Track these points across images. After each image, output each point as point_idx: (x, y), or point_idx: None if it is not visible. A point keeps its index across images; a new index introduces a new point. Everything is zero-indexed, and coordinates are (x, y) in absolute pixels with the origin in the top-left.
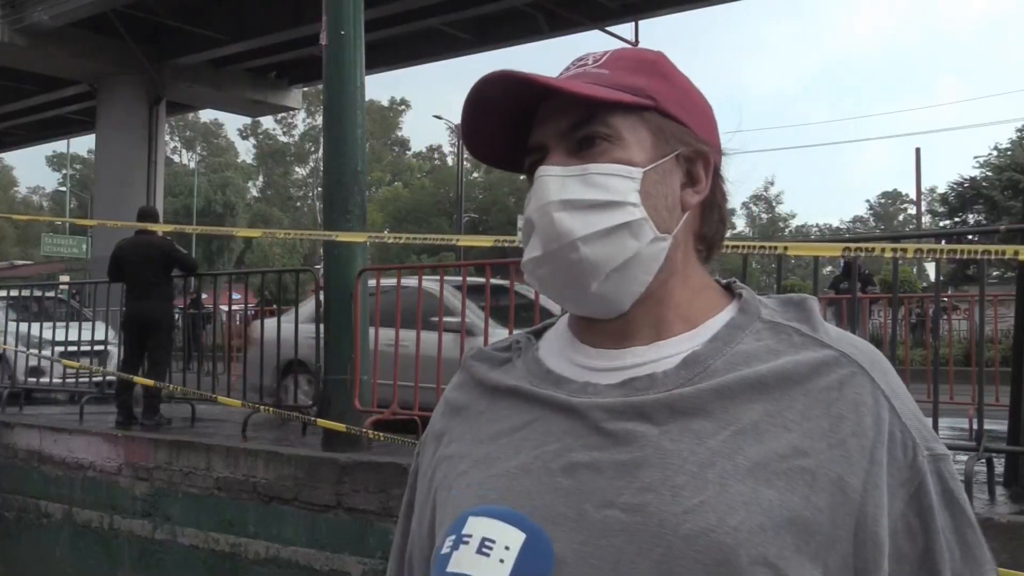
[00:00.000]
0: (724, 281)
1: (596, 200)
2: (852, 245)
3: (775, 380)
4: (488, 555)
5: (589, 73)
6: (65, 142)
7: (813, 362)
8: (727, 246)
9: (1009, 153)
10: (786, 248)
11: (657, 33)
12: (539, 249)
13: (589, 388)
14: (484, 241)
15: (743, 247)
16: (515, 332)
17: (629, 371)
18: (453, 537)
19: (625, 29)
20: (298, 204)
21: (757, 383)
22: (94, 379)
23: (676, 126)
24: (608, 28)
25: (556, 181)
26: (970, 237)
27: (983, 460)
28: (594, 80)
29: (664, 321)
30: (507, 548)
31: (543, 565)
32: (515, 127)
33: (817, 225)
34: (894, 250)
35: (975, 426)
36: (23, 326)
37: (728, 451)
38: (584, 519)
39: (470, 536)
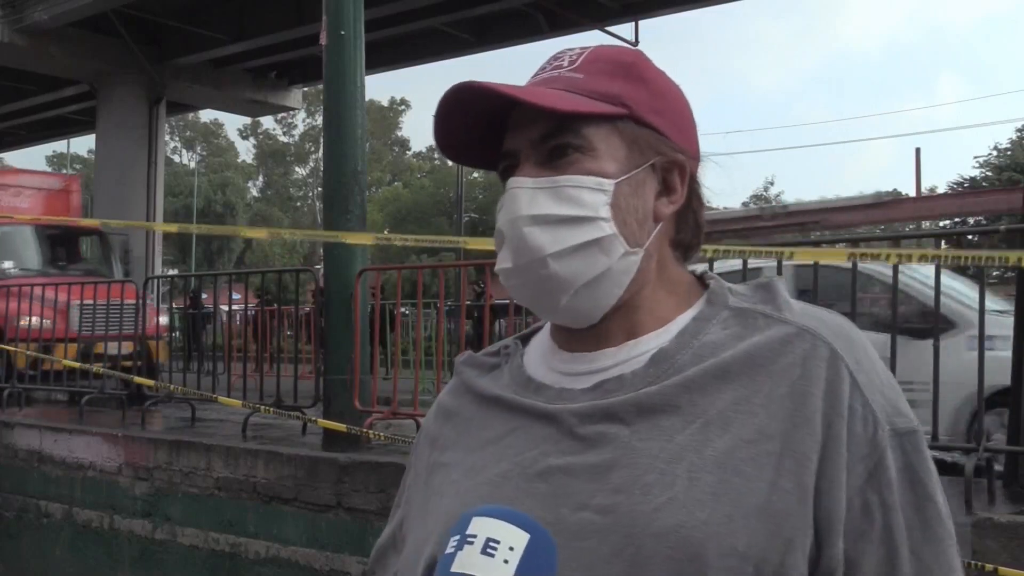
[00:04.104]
0: (698, 272)
1: (566, 215)
2: (857, 252)
3: (739, 366)
4: (493, 556)
5: (562, 77)
6: (65, 142)
7: (774, 341)
8: (731, 250)
9: (1009, 153)
10: (792, 254)
11: (657, 33)
12: (509, 262)
13: (564, 394)
14: (491, 245)
15: (749, 251)
16: (506, 338)
17: (600, 374)
18: (457, 537)
19: (625, 29)
20: (298, 204)
21: (721, 372)
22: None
23: (651, 134)
24: (608, 28)
25: (526, 193)
26: (970, 237)
27: (983, 460)
28: (567, 85)
29: (637, 324)
30: (511, 548)
31: (547, 565)
32: (491, 128)
33: None
34: (899, 256)
35: (975, 426)
36: None
37: (696, 444)
38: (561, 523)
39: (474, 536)
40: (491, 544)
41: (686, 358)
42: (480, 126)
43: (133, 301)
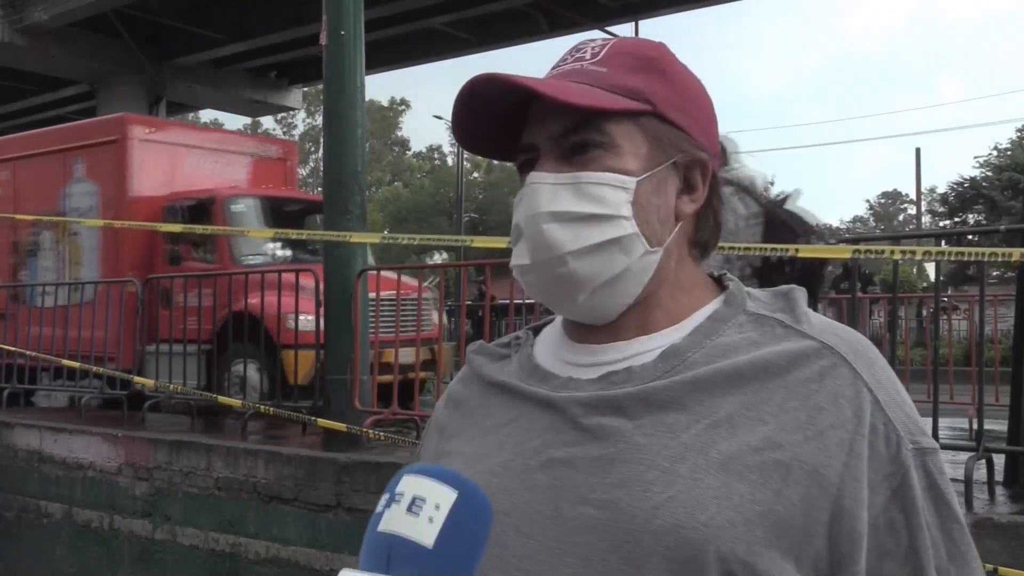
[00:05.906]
0: (716, 273)
1: (587, 213)
2: (862, 248)
3: (753, 372)
4: (417, 515)
5: (585, 71)
6: None
7: (792, 353)
8: (736, 248)
9: (1009, 153)
10: (797, 251)
11: (657, 33)
12: (527, 258)
13: (570, 383)
14: (498, 243)
15: (752, 249)
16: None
17: (608, 366)
18: (387, 496)
19: (625, 29)
20: None
21: (734, 375)
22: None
23: (674, 132)
24: (608, 28)
25: (547, 189)
26: (970, 237)
27: (983, 460)
28: (590, 80)
29: (651, 321)
30: (437, 507)
31: (478, 524)
32: (509, 120)
33: (817, 225)
34: (903, 252)
35: (975, 426)
36: None
37: (701, 445)
38: (560, 516)
39: (401, 495)
40: (417, 502)
41: (697, 356)
42: (500, 117)
43: (413, 296)
